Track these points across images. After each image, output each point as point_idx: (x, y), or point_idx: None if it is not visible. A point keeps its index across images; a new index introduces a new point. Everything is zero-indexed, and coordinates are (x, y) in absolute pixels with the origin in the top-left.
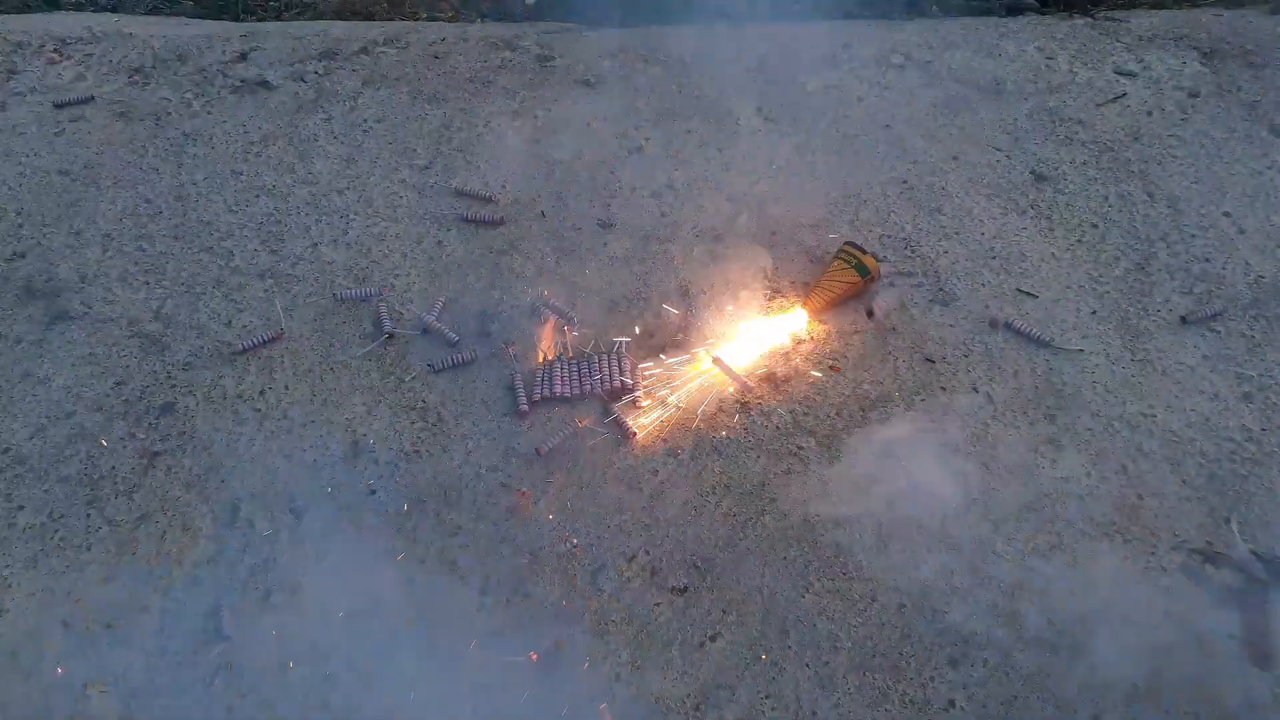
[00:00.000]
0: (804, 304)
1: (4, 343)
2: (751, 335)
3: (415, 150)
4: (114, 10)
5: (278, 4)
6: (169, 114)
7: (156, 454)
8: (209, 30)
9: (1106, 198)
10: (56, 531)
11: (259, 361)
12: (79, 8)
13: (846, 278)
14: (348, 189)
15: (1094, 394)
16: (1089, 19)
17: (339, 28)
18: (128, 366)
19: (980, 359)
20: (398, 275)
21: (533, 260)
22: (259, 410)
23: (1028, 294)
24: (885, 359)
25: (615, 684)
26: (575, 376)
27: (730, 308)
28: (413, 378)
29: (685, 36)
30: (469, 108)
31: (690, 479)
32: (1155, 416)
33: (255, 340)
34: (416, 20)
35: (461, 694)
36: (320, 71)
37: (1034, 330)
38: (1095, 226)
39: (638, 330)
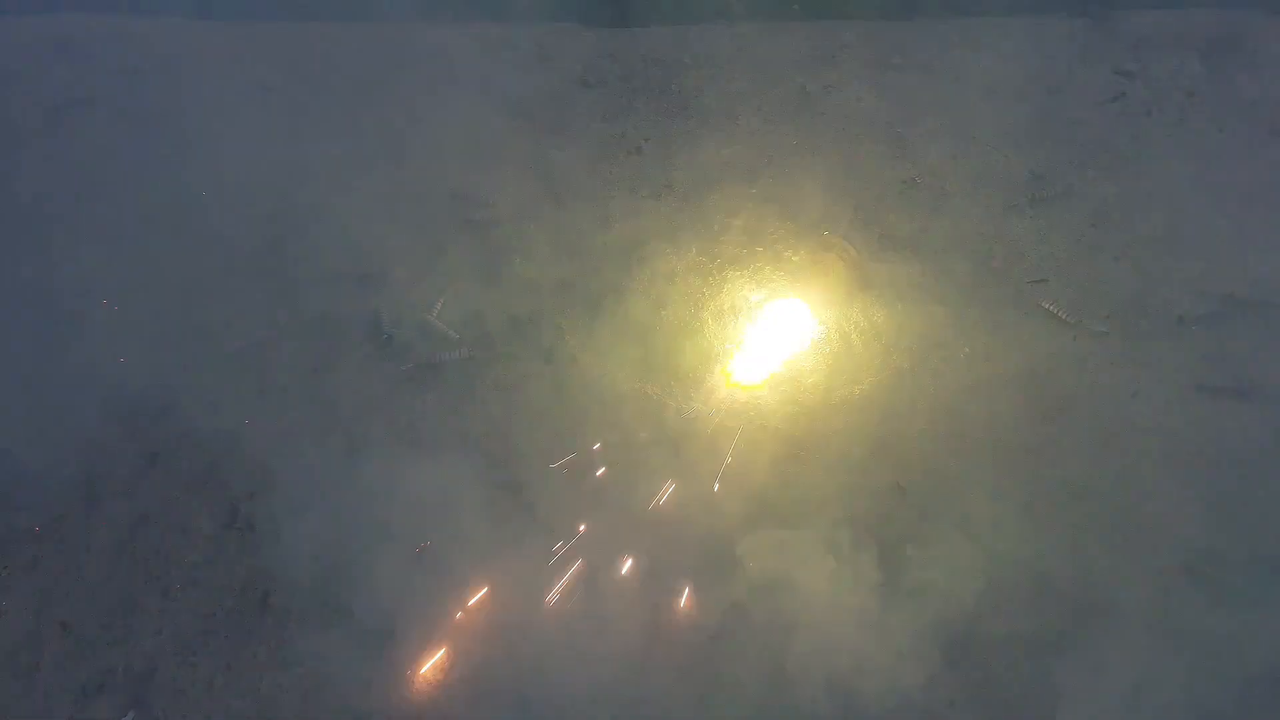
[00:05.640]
0: None
1: (5, 343)
2: None
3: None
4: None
5: None
6: (168, 114)
7: (156, 454)
8: (208, 31)
9: (1106, 198)
10: (57, 531)
11: (258, 361)
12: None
13: None
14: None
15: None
16: (1089, 19)
17: (337, 28)
18: (127, 367)
19: None
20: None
21: None
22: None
23: (1039, 280)
24: None
25: None
26: None
27: None
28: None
29: None
30: None
31: None
32: None
33: (253, 340)
34: None
35: None
36: (320, 72)
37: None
38: (1095, 226)
39: None
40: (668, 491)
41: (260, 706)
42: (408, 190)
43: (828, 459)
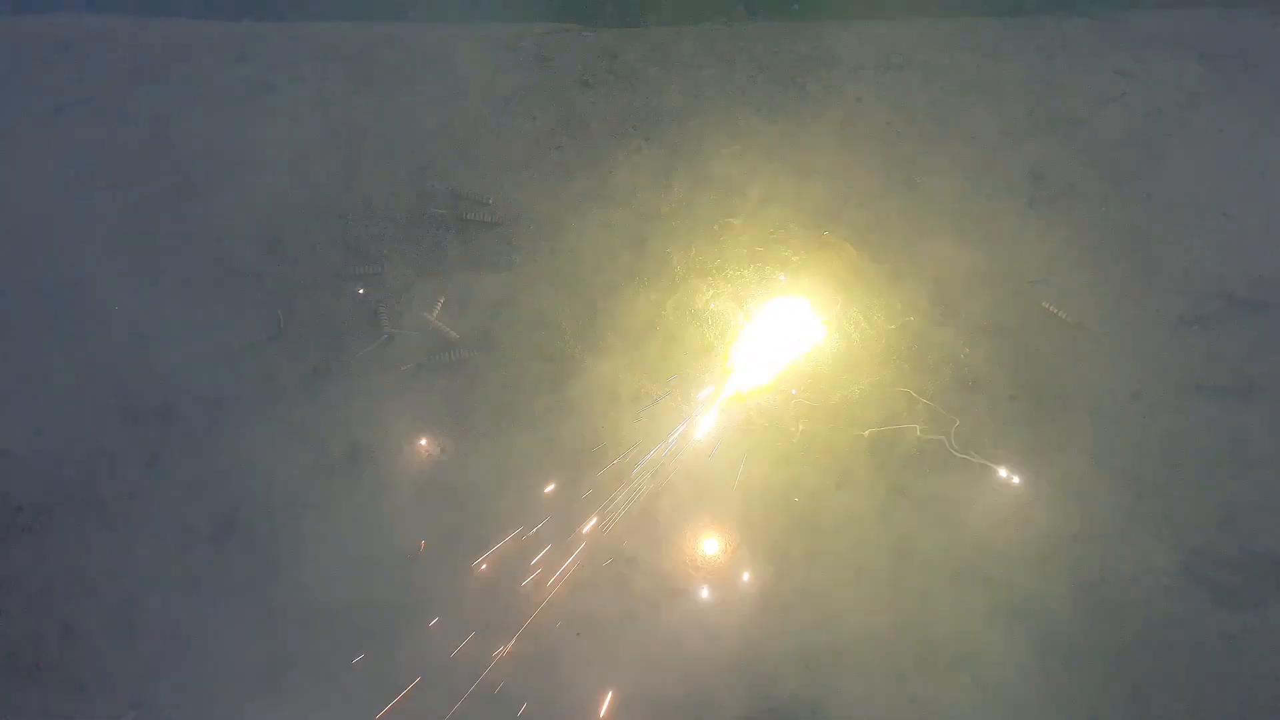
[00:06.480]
0: None
1: (4, 343)
2: None
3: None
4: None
5: None
6: (169, 114)
7: (156, 454)
8: (208, 31)
9: (1105, 197)
10: (57, 531)
11: (259, 361)
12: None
13: None
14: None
15: None
16: (1089, 19)
17: (336, 28)
18: (128, 368)
19: None
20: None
21: None
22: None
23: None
24: None
25: None
26: None
27: None
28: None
29: None
30: None
31: None
32: None
33: (254, 340)
34: None
35: None
36: (320, 72)
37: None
38: (1095, 226)
39: None
40: (665, 493)
41: (262, 707)
42: (408, 189)
43: (827, 459)
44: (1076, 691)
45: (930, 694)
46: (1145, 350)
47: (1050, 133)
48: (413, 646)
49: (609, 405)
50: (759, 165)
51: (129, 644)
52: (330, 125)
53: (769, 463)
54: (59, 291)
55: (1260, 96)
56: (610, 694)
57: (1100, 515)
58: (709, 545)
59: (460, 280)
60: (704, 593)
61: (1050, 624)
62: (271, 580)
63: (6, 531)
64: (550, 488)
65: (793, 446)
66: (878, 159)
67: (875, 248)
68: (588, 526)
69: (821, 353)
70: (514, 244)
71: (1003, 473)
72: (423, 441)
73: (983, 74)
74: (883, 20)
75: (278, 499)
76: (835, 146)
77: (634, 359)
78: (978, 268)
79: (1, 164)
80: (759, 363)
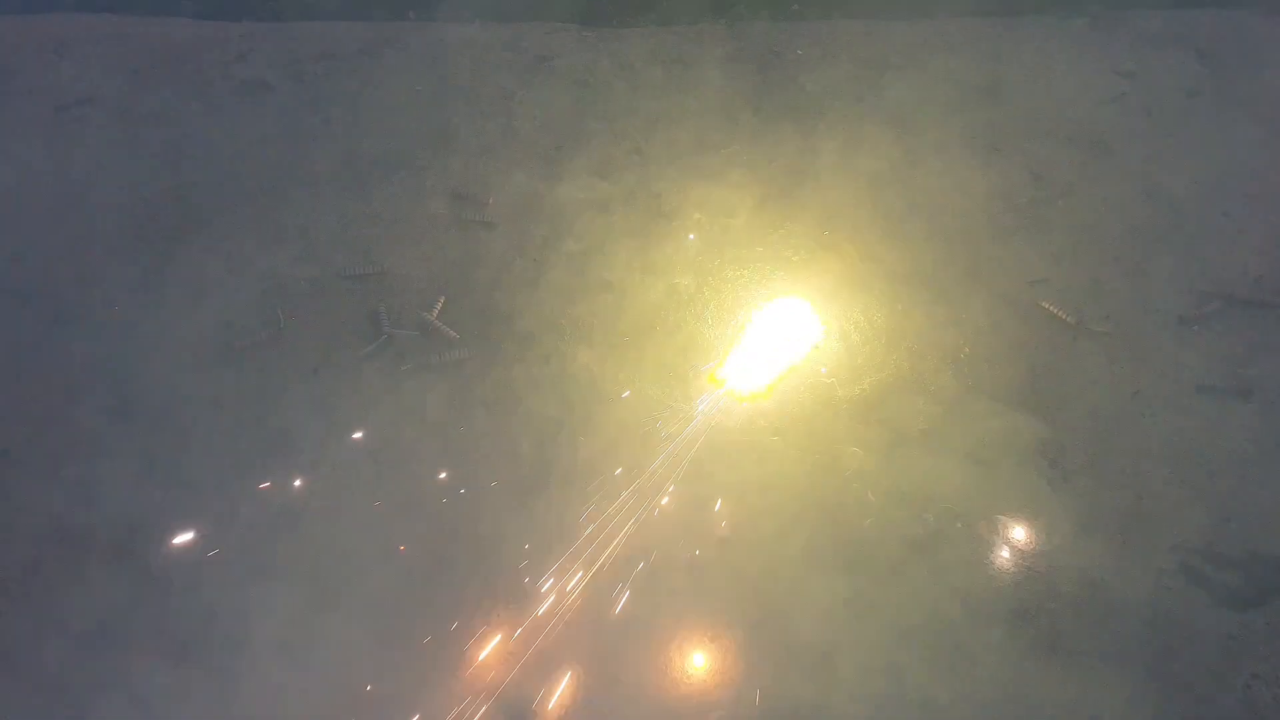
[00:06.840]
0: None
1: (4, 343)
2: None
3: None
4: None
5: None
6: (169, 114)
7: (156, 454)
8: (208, 31)
9: (1106, 198)
10: (57, 532)
11: (259, 361)
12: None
13: None
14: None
15: None
16: (1089, 19)
17: (336, 28)
18: (127, 367)
19: None
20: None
21: None
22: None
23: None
24: None
25: None
26: None
27: None
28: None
29: None
30: None
31: None
32: None
33: (254, 340)
34: None
35: None
36: (320, 72)
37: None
38: (1094, 226)
39: None
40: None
41: (263, 704)
42: (408, 189)
43: (827, 461)
44: (1076, 692)
45: (929, 694)
46: (1145, 350)
47: (1050, 132)
48: (406, 651)
49: (608, 406)
50: (758, 165)
51: (129, 645)
52: (330, 125)
53: (770, 468)
54: (58, 291)
55: (1260, 96)
56: (609, 691)
57: (1100, 515)
58: (708, 553)
59: (460, 280)
60: (704, 596)
61: (1050, 624)
62: (271, 579)
63: (6, 533)
64: (550, 489)
65: (801, 454)
66: (878, 159)
67: (874, 247)
68: (589, 528)
69: (821, 353)
70: (514, 244)
71: (1001, 473)
72: (422, 442)
73: (983, 74)
74: (883, 20)
75: (278, 499)
76: (835, 146)
77: (633, 360)
78: (978, 267)
79: (1, 164)
80: (757, 365)
